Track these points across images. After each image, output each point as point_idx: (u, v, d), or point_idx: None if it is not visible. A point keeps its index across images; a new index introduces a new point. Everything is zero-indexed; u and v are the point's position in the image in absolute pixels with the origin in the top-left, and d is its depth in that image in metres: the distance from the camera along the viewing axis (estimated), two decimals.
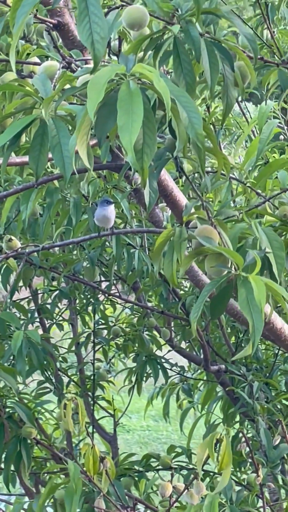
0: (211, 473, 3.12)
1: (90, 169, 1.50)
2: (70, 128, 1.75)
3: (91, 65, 1.85)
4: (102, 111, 1.48)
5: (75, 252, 3.53)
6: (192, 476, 3.08)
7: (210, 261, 1.81)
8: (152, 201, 1.98)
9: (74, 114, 1.73)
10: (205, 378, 4.22)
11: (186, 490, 2.08)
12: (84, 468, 2.33)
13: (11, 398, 2.84)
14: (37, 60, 2.32)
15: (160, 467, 3.22)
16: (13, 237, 2.59)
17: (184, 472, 3.21)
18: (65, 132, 1.64)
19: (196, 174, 2.16)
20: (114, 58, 2.39)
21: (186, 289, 3.98)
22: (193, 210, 2.00)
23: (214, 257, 1.80)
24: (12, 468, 2.85)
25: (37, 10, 1.99)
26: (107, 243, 3.45)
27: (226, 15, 1.63)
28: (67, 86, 1.78)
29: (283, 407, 3.75)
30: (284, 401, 3.80)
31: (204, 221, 1.87)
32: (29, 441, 2.84)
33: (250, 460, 3.41)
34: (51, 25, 2.03)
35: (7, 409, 2.86)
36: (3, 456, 2.84)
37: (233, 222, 2.07)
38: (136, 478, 3.14)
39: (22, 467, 2.79)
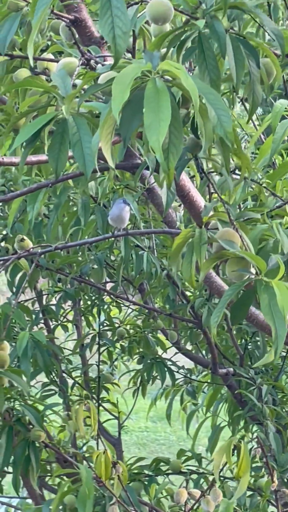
0: (221, 478, 3.07)
1: (113, 168, 1.46)
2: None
3: (110, 61, 1.82)
4: (127, 109, 1.43)
5: (80, 254, 3.49)
6: (202, 480, 3.06)
7: (231, 265, 1.77)
8: (169, 201, 1.95)
9: (94, 111, 1.69)
10: (210, 380, 4.19)
11: (202, 497, 2.03)
12: (95, 473, 2.29)
13: (20, 401, 2.80)
14: (51, 57, 2.27)
15: (170, 471, 3.18)
16: (25, 237, 2.54)
17: (194, 476, 3.17)
18: (86, 129, 1.60)
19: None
20: (128, 55, 2.35)
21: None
22: (211, 212, 1.95)
23: (235, 261, 1.76)
24: None
25: (53, 6, 1.94)
26: (114, 244, 3.41)
27: (252, 10, 1.59)
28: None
29: None
30: None
31: (225, 223, 1.82)
32: (37, 444, 2.80)
33: (259, 464, 3.37)
34: (68, 20, 1.98)
35: (15, 411, 2.82)
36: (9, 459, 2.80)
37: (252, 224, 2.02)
38: (146, 483, 3.10)
39: (31, 471, 2.74)
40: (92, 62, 1.82)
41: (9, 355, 3.10)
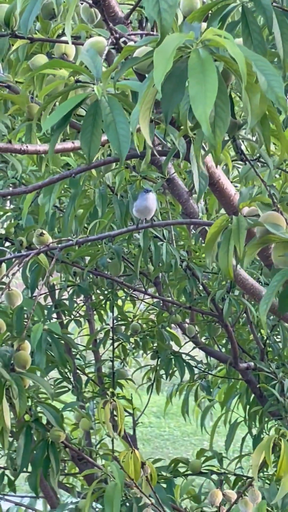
0: (245, 476, 2.99)
1: (153, 148, 1.36)
2: None
3: (140, 38, 1.72)
4: (167, 83, 1.33)
5: (94, 246, 3.40)
6: (223, 481, 2.97)
7: (278, 250, 1.68)
8: (202, 188, 1.85)
9: (126, 92, 1.59)
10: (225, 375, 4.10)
11: (240, 498, 1.93)
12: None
13: (39, 400, 2.71)
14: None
15: (189, 472, 3.08)
16: (44, 231, 2.44)
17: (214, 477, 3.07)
18: (120, 109, 1.50)
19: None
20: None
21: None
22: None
23: (282, 245, 1.67)
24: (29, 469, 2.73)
25: None
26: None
27: None
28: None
29: None
30: None
31: (265, 208, 1.73)
32: (57, 445, 2.71)
33: None
34: (91, 1, 1.88)
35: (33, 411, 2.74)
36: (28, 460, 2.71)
37: None
38: (165, 485, 3.00)
39: (51, 472, 2.65)
40: (121, 41, 1.72)
41: None
